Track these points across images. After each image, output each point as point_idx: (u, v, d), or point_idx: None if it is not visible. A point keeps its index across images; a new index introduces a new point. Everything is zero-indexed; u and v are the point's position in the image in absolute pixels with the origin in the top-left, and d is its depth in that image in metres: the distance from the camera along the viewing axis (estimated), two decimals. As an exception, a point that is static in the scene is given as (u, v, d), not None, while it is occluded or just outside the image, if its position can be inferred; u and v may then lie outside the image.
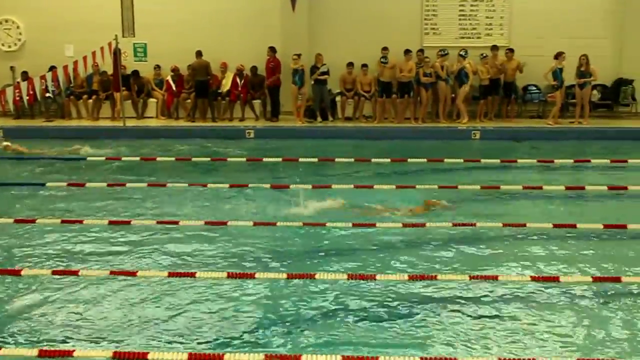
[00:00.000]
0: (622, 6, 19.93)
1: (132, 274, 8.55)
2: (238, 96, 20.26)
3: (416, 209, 11.30)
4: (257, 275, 8.43)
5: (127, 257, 9.29)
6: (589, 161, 14.98)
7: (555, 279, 8.54)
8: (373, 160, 14.97)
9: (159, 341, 6.95)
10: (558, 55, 18.67)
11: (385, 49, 19.27)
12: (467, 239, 10.09)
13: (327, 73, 19.35)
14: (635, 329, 7.39)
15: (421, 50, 19.55)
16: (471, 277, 8.50)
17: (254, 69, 20.24)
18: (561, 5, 19.83)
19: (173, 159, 15.69)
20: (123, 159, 15.68)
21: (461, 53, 19.05)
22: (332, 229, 10.28)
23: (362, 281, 8.36)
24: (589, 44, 19.24)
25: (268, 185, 12.99)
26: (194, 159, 15.63)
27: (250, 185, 12.89)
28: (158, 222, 10.59)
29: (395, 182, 13.00)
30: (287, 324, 7.37)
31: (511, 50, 19.45)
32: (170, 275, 8.49)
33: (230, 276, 8.42)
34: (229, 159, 15.69)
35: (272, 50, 19.72)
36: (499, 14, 20.35)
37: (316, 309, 7.70)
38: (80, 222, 10.61)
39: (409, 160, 14.86)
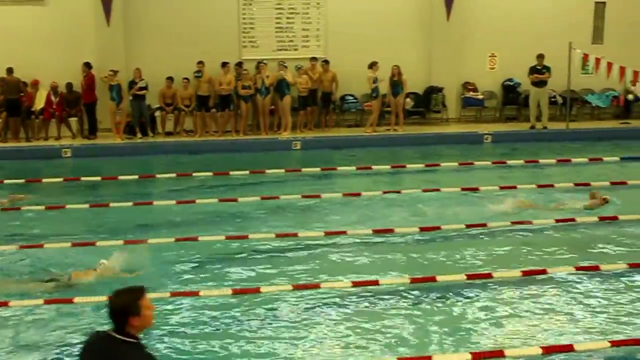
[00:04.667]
0: (429, 18, 20.82)
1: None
2: (53, 114, 19.51)
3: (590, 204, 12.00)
4: (75, 300, 8.19)
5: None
6: (404, 166, 15.54)
7: (375, 283, 8.81)
8: (194, 174, 14.86)
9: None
10: (372, 65, 19.26)
11: (200, 62, 19.19)
12: (289, 248, 10.23)
13: (145, 88, 19.01)
14: (450, 323, 7.76)
15: (240, 63, 19.60)
16: (294, 287, 8.62)
17: (69, 85, 19.57)
18: (374, 17, 20.41)
19: (-16, 182, 14.86)
20: None
21: (284, 63, 19.24)
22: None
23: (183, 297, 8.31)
24: (401, 54, 19.97)
25: (87, 205, 12.65)
26: (6, 181, 14.87)
27: (68, 205, 12.51)
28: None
29: (219, 196, 13.03)
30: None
31: (327, 62, 19.86)
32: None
33: (48, 302, 8.14)
34: (44, 180, 15.03)
35: (87, 65, 19.14)
36: (315, 26, 20.72)
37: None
38: None
39: (231, 173, 14.88)
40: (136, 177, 14.97)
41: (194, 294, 8.43)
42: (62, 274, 9.03)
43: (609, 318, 7.93)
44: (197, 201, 12.66)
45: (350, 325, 7.75)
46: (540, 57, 19.51)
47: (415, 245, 10.42)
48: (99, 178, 14.91)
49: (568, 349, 7.08)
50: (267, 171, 15.02)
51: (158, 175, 15.01)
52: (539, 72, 19.56)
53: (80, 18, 19.71)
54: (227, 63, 19.26)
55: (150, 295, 8.08)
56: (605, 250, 10.17)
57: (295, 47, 20.68)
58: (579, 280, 8.97)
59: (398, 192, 13.29)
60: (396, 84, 19.46)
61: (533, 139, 18.73)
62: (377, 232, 10.82)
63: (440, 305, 8.33)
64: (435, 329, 7.66)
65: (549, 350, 7.04)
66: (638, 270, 9.26)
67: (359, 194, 13.10)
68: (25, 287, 8.80)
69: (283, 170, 15.12)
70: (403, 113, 19.85)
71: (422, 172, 15.31)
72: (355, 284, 8.76)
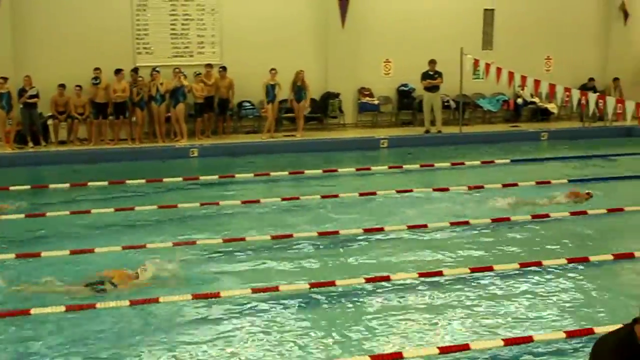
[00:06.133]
0: (324, 24, 20.96)
1: None
2: (-62, 124, 18.75)
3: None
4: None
5: None
6: (302, 172, 15.59)
7: (275, 289, 8.83)
8: (90, 184, 14.52)
9: None
10: (270, 71, 19.30)
11: (97, 69, 18.79)
12: (188, 256, 10.14)
13: (36, 96, 18.46)
14: (350, 327, 7.87)
15: (134, 70, 19.30)
16: (194, 296, 8.55)
17: (-46, 94, 18.85)
18: (270, 24, 20.37)
19: None
20: None
21: (183, 72, 19.02)
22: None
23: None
24: (298, 60, 20.06)
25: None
26: None
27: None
28: None
29: (115, 205, 12.79)
30: None
31: (224, 69, 19.77)
32: None
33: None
34: None
35: (-26, 73, 18.50)
36: (210, 32, 20.57)
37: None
38: None
39: (127, 181, 14.61)
40: (28, 187, 14.51)
41: (90, 306, 8.27)
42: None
43: (503, 317, 8.19)
44: (93, 211, 12.40)
45: (248, 332, 7.78)
46: (432, 62, 19.98)
47: (314, 251, 10.49)
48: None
49: (464, 348, 7.28)
50: (165, 179, 14.81)
51: (51, 186, 14.57)
52: (431, 77, 20.02)
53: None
54: (121, 70, 18.93)
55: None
56: (499, 251, 10.49)
57: (191, 54, 20.49)
58: (474, 281, 9.22)
59: (296, 198, 13.34)
60: (299, 89, 19.57)
61: (428, 143, 19.11)
62: (275, 238, 10.85)
63: (340, 309, 8.44)
64: (335, 333, 7.76)
65: (445, 350, 7.22)
66: (529, 270, 9.58)
67: (257, 201, 13.12)
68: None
69: (181, 178, 14.94)
70: (303, 119, 19.99)
71: (320, 177, 15.39)
72: (255, 291, 8.77)
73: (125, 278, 8.99)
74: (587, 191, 13.14)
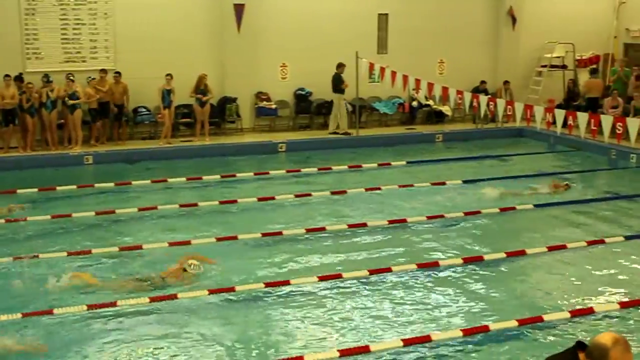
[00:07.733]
0: (220, 29, 20.79)
1: None
2: None
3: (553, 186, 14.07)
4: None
5: None
6: (200, 178, 15.44)
7: (174, 297, 8.74)
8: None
9: None
10: (165, 77, 19.07)
11: (-24, 76, 18.16)
12: (83, 266, 9.92)
13: None
14: (252, 333, 7.86)
15: (18, 77, 18.65)
16: (88, 307, 8.37)
17: None
18: (166, 28, 19.93)
19: None
20: None
21: (70, 77, 18.55)
22: None
23: None
24: (194, 65, 19.85)
25: None
26: None
27: None
28: None
29: (5, 216, 12.38)
30: None
31: (119, 74, 19.39)
32: None
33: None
34: None
35: None
36: (103, 37, 20.11)
37: None
38: None
39: (18, 191, 14.13)
40: None
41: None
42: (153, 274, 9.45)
43: (401, 318, 8.33)
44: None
45: (144, 339, 7.69)
46: (342, 66, 20.19)
47: (213, 256, 10.41)
48: None
49: (364, 350, 7.36)
50: (58, 188, 14.41)
51: None
52: (341, 81, 20.26)
53: None
54: (9, 76, 18.32)
55: None
56: (397, 252, 10.65)
57: (84, 59, 19.99)
58: (373, 283, 9.34)
59: (195, 204, 13.20)
60: (202, 93, 19.41)
61: (325, 147, 19.20)
62: (173, 244, 10.72)
63: (240, 314, 8.40)
64: (236, 339, 7.73)
65: (345, 352, 7.28)
66: (427, 270, 9.77)
67: (155, 208, 12.93)
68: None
69: (75, 187, 14.57)
70: (207, 123, 19.83)
71: (218, 183, 15.29)
72: (153, 300, 8.65)
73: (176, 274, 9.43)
74: (565, 182, 14.29)
